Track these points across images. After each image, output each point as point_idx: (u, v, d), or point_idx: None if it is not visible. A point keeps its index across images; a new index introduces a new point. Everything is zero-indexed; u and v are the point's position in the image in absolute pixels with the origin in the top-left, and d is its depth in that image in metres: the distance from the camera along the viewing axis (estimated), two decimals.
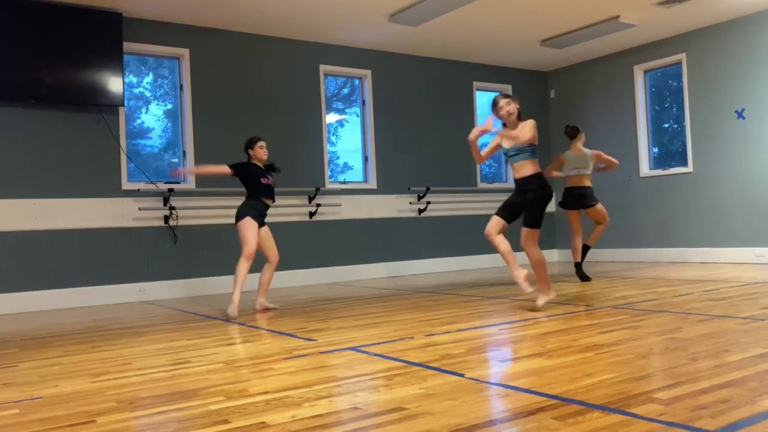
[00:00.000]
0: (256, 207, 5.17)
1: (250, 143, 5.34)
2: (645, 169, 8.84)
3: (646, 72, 8.90)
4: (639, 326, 3.63)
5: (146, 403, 2.44)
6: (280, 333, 4.02)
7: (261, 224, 5.21)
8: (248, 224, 5.06)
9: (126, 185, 6.68)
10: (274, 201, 5.38)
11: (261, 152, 5.33)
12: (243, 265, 5.02)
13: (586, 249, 6.44)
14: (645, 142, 8.87)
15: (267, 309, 5.28)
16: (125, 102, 6.66)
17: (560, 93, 9.91)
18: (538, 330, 3.68)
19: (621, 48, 8.90)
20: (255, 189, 5.23)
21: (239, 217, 5.10)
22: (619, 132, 9.07)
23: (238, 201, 7.40)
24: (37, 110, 6.26)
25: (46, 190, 6.20)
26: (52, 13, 6.24)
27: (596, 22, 7.72)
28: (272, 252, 5.29)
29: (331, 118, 8.39)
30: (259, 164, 5.33)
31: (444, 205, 8.83)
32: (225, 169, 5.21)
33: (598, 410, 2.05)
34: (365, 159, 8.36)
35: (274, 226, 7.65)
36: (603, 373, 2.54)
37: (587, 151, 6.49)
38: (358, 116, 8.51)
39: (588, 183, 6.41)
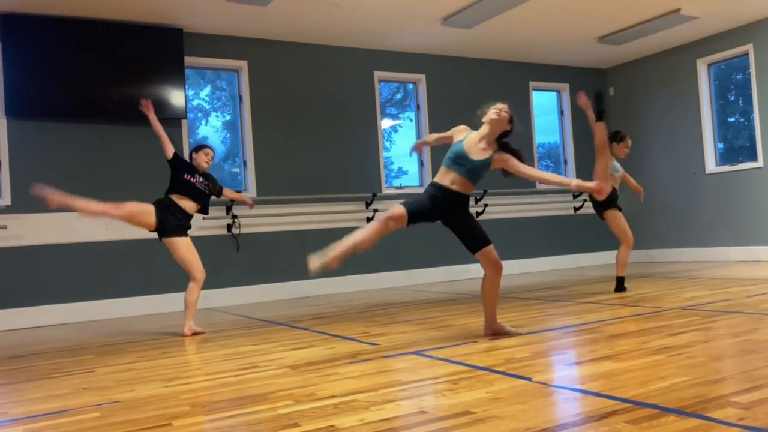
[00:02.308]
0: (175, 216, 4.69)
1: (197, 148, 4.98)
2: (711, 165, 8.54)
3: (710, 65, 8.61)
4: (711, 328, 3.51)
5: (218, 407, 2.51)
6: (343, 337, 4.06)
7: (184, 235, 4.75)
8: (179, 244, 4.67)
9: None
10: (200, 210, 4.88)
11: (201, 159, 4.88)
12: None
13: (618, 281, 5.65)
14: (711, 138, 8.58)
15: (196, 333, 4.73)
16: (187, 115, 6.86)
17: (619, 90, 9.68)
18: (605, 333, 3.60)
19: (682, 42, 8.64)
20: (175, 186, 4.78)
21: (164, 231, 4.67)
22: (682, 128, 8.80)
23: (299, 208, 7.53)
24: (104, 126, 6.52)
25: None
26: (116, 31, 6.50)
27: (656, 16, 7.52)
28: (197, 268, 4.81)
29: (384, 123, 8.44)
30: (197, 168, 4.91)
31: (502, 208, 8.74)
32: (169, 146, 4.87)
33: (674, 414, 2.00)
34: (420, 163, 8.36)
35: (331, 232, 7.77)
36: (676, 376, 2.47)
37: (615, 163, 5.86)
38: (411, 121, 8.53)
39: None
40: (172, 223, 4.68)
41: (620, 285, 5.55)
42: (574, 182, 3.70)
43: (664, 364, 2.71)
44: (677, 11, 7.30)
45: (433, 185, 3.65)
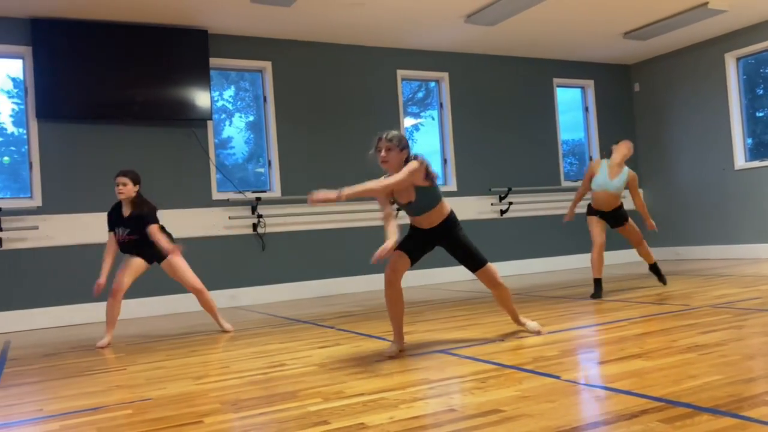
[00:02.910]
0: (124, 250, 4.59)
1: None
2: (740, 161, 8.40)
3: (738, 59, 8.47)
4: (743, 326, 3.46)
5: (247, 404, 2.53)
6: (370, 336, 4.07)
7: (147, 259, 4.62)
8: (127, 261, 4.59)
9: (216, 195, 6.95)
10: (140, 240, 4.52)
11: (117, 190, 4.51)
12: (108, 301, 4.55)
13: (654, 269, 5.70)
14: (740, 133, 8.44)
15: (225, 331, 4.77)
16: (212, 116, 6.93)
17: (645, 86, 9.57)
18: (633, 331, 3.57)
19: (710, 36, 8.51)
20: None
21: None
22: (710, 124, 8.67)
23: (323, 208, 7.55)
24: (131, 127, 6.61)
25: None
26: (142, 34, 6.58)
27: (682, 10, 7.41)
28: (186, 284, 4.75)
29: (407, 122, 8.43)
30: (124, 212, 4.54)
31: (527, 206, 8.69)
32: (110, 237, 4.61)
33: (708, 413, 1.97)
34: (444, 161, 8.34)
35: (356, 231, 7.82)
36: (708, 375, 2.44)
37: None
38: (434, 119, 8.51)
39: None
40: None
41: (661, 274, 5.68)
42: None
43: (695, 362, 2.68)
44: (704, 5, 7.19)
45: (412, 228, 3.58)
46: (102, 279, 4.50)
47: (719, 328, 3.42)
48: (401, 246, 3.43)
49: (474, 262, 3.58)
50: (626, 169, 5.35)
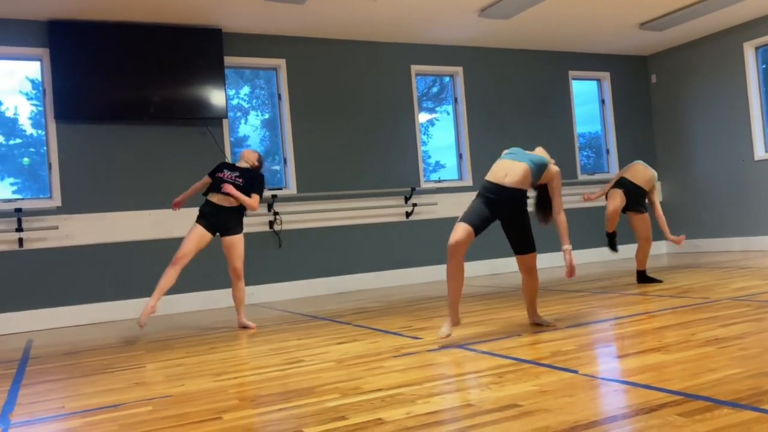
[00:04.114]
0: (202, 209, 4.81)
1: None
2: (761, 152, 8.29)
3: (757, 48, 8.35)
4: (764, 319, 3.42)
5: (266, 400, 2.55)
6: (387, 332, 4.08)
7: (209, 229, 4.75)
8: (190, 229, 4.78)
9: None
10: (225, 196, 4.73)
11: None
12: (167, 270, 4.70)
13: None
14: (759, 124, 8.32)
15: (245, 327, 4.85)
16: (228, 114, 6.97)
17: (662, 77, 9.47)
18: (652, 324, 3.54)
19: (728, 25, 8.40)
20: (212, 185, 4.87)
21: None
22: (729, 114, 8.57)
23: (339, 204, 7.60)
24: (148, 127, 6.66)
25: (160, 202, 6.57)
26: (157, 34, 6.63)
27: (699, 0, 7.32)
28: (230, 265, 4.81)
29: (421, 117, 8.42)
30: (240, 165, 4.96)
31: None
32: (205, 179, 4.95)
33: (728, 406, 1.95)
34: (459, 156, 8.32)
35: (371, 228, 7.84)
36: (728, 368, 2.42)
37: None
38: (448, 114, 8.49)
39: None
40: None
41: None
42: (565, 246, 3.68)
43: (714, 355, 2.65)
44: None
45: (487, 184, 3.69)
46: (179, 198, 4.97)
47: (739, 321, 3.38)
48: (466, 219, 3.52)
49: (527, 245, 3.66)
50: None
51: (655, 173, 5.56)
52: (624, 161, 9.26)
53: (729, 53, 8.53)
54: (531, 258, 3.69)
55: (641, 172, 5.51)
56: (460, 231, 3.46)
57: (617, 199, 5.43)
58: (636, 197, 5.46)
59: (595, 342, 3.28)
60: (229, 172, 4.84)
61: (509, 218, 3.67)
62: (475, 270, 8.08)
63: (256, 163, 4.99)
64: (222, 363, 3.48)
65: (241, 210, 4.82)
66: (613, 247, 5.62)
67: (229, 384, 2.91)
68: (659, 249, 9.34)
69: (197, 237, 4.73)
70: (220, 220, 4.76)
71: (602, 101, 9.44)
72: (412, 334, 3.89)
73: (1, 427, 2.49)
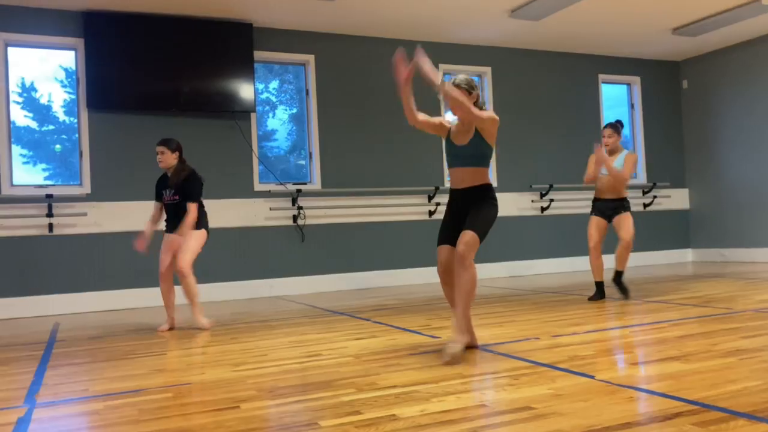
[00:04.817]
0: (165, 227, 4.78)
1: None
2: None
3: None
4: None
5: (283, 392, 2.59)
6: (405, 329, 4.10)
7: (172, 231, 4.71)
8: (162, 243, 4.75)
9: (258, 187, 7.07)
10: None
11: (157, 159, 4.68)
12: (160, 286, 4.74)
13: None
14: None
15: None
16: (256, 108, 7.03)
17: (694, 83, 9.34)
18: (673, 333, 3.51)
19: (763, 32, 8.25)
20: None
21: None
22: (761, 122, 8.42)
23: (362, 200, 7.63)
24: (177, 118, 6.75)
25: None
26: (189, 27, 6.72)
27: (734, 6, 7.20)
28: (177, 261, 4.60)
29: (448, 117, 8.39)
30: (169, 174, 4.71)
31: (569, 203, 8.58)
32: (157, 206, 4.81)
33: (744, 418, 1.94)
34: None
35: (393, 225, 7.86)
36: (748, 380, 2.40)
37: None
38: None
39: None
40: None
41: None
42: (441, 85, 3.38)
43: (735, 367, 2.63)
44: (758, 0, 6.97)
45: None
46: (146, 236, 4.67)
47: (762, 333, 3.34)
48: (444, 239, 3.32)
49: (470, 225, 3.19)
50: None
51: (618, 166, 5.36)
52: (652, 166, 9.16)
53: (763, 60, 8.38)
54: (471, 239, 3.20)
55: (607, 185, 5.34)
56: (444, 254, 3.31)
57: (593, 232, 5.36)
58: (613, 208, 5.30)
59: (614, 348, 3.27)
60: (167, 193, 4.68)
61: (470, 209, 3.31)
62: (493, 272, 8.06)
63: (173, 161, 4.63)
64: (242, 353, 3.54)
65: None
66: (623, 292, 5.23)
67: (248, 374, 2.96)
68: (684, 257, 9.23)
69: (169, 243, 4.69)
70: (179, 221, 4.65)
71: (632, 105, 9.34)
72: (430, 333, 3.91)
73: (27, 406, 2.56)
